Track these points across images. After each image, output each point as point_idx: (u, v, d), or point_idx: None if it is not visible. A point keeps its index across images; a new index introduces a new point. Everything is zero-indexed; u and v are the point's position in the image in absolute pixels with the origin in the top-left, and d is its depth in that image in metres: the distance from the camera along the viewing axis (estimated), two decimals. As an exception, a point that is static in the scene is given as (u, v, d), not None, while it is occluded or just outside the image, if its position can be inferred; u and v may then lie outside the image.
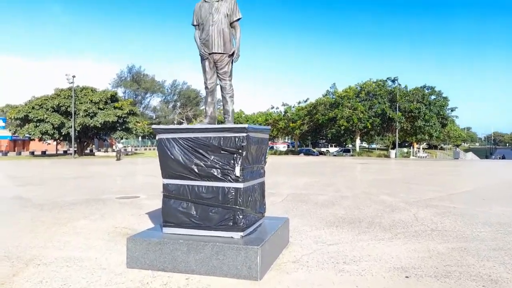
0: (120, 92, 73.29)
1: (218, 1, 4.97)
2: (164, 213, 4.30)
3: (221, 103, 5.05)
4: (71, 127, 38.84)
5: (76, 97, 40.91)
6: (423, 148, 73.69)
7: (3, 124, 59.46)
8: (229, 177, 4.04)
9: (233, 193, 4.04)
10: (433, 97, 46.79)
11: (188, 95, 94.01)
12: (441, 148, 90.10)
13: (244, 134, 4.01)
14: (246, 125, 4.04)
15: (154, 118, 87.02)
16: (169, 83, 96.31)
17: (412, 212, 7.72)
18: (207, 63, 4.93)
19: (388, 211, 7.84)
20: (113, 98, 44.00)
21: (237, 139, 4.03)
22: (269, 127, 5.98)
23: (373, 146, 77.97)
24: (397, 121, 44.46)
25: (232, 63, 5.06)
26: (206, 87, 5.03)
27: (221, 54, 4.86)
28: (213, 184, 4.11)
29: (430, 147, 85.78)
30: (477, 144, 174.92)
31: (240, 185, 4.02)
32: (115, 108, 41.99)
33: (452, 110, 49.07)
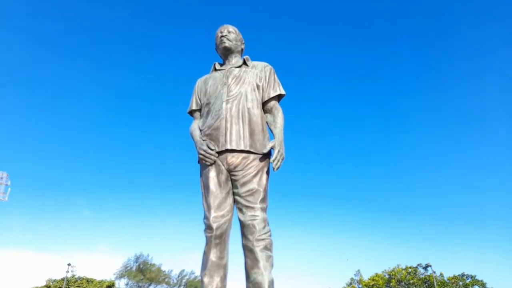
0: (122, 283, 68.50)
1: (239, 67, 2.35)
2: None
3: (244, 266, 1.92)
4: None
5: (67, 288, 36.17)
6: None
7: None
8: None
9: None
10: (476, 287, 40.43)
11: (194, 286, 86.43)
12: None
13: None
14: None
15: (155, 314, 76.92)
16: (176, 274, 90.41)
17: None
18: (212, 173, 2.10)
19: None
20: (109, 289, 39.01)
21: None
22: None
23: None
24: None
25: (267, 173, 2.09)
26: (208, 227, 2.16)
27: (245, 155, 2.01)
28: None
29: None
30: None
31: None
32: (108, 302, 36.56)
33: (503, 304, 41.59)
